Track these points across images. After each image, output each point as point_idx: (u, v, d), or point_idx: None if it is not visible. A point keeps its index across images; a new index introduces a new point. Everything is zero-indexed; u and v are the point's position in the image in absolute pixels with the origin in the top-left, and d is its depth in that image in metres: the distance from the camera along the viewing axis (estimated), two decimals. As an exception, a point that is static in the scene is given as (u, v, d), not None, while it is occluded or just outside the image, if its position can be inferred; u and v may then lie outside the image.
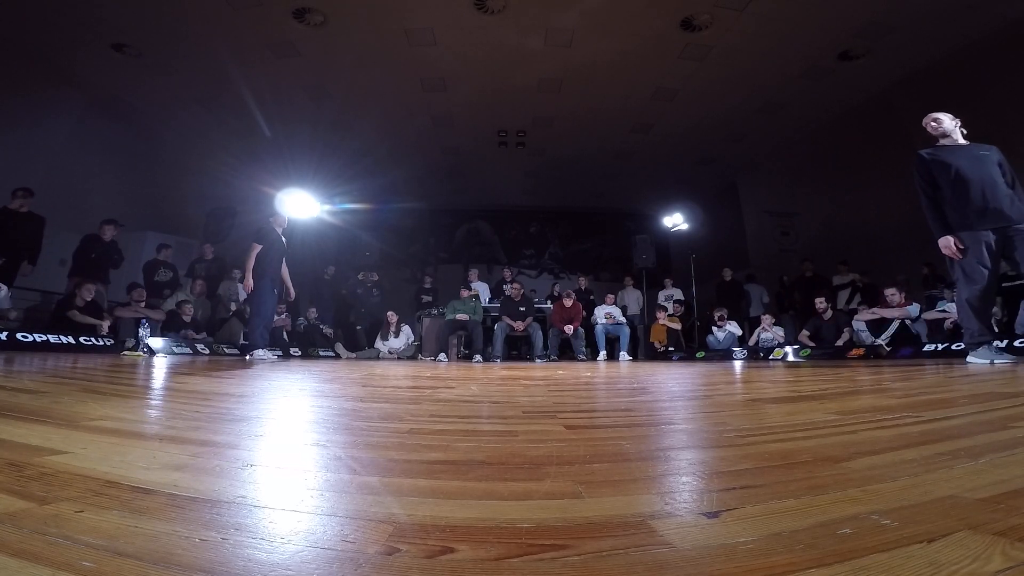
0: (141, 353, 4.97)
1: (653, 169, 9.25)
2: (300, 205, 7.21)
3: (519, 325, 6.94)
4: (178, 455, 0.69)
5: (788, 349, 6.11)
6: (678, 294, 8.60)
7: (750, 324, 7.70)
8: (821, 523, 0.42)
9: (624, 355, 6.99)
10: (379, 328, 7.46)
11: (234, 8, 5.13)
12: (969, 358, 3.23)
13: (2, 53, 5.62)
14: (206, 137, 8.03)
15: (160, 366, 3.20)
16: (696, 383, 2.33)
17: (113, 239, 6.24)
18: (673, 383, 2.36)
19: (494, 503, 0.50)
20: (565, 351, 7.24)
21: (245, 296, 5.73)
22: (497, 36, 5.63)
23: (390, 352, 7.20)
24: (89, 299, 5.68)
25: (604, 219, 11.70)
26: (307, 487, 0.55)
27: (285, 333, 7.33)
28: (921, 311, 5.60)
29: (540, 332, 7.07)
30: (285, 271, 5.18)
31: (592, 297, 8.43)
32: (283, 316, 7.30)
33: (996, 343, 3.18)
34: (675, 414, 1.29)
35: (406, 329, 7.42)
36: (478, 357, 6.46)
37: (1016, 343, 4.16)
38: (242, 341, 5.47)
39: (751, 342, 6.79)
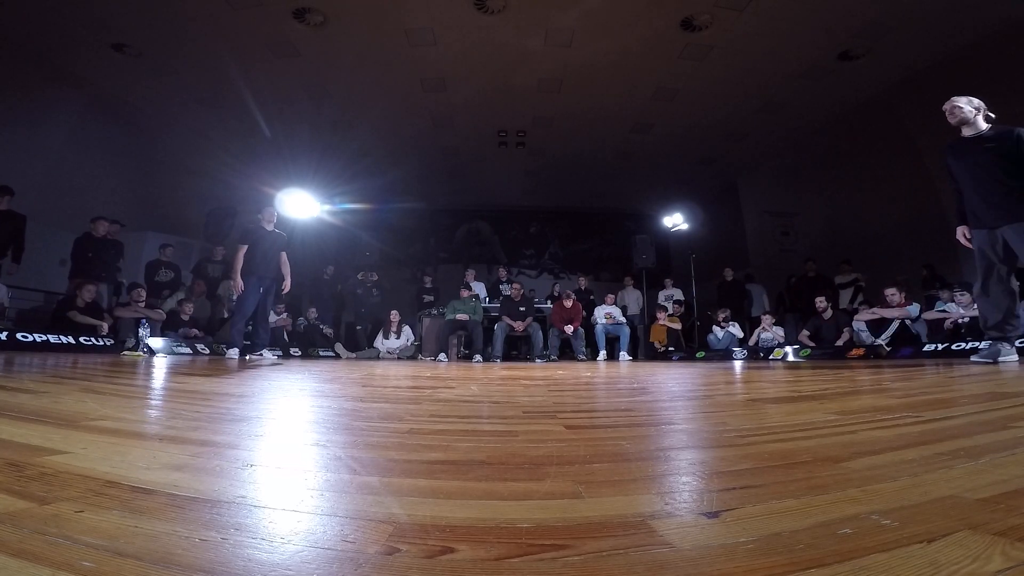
0: (141, 353, 4.98)
1: (653, 169, 9.25)
2: (300, 205, 7.22)
3: (519, 325, 6.94)
4: (178, 455, 0.69)
5: (788, 349, 6.11)
6: (678, 294, 8.60)
7: (751, 324, 7.70)
8: (821, 523, 0.42)
9: (624, 355, 6.99)
10: (379, 328, 7.46)
11: (234, 8, 5.13)
12: (973, 357, 3.30)
13: (2, 53, 5.62)
14: (206, 137, 8.03)
15: (160, 366, 3.20)
16: (696, 383, 2.33)
17: (108, 236, 6.23)
18: (673, 383, 2.36)
19: (494, 503, 0.50)
20: (565, 351, 7.23)
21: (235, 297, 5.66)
22: (497, 36, 5.63)
23: (389, 352, 7.20)
24: (89, 300, 5.68)
25: (604, 219, 11.70)
26: (307, 487, 0.55)
27: (285, 333, 7.33)
28: (921, 311, 5.60)
29: (540, 332, 7.07)
30: (285, 264, 5.08)
31: (592, 297, 8.43)
32: (283, 316, 7.31)
33: (1006, 345, 3.12)
34: (675, 414, 1.29)
35: (406, 329, 7.42)
36: (478, 357, 6.46)
37: (1020, 342, 4.15)
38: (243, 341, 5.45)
39: (751, 342, 6.79)
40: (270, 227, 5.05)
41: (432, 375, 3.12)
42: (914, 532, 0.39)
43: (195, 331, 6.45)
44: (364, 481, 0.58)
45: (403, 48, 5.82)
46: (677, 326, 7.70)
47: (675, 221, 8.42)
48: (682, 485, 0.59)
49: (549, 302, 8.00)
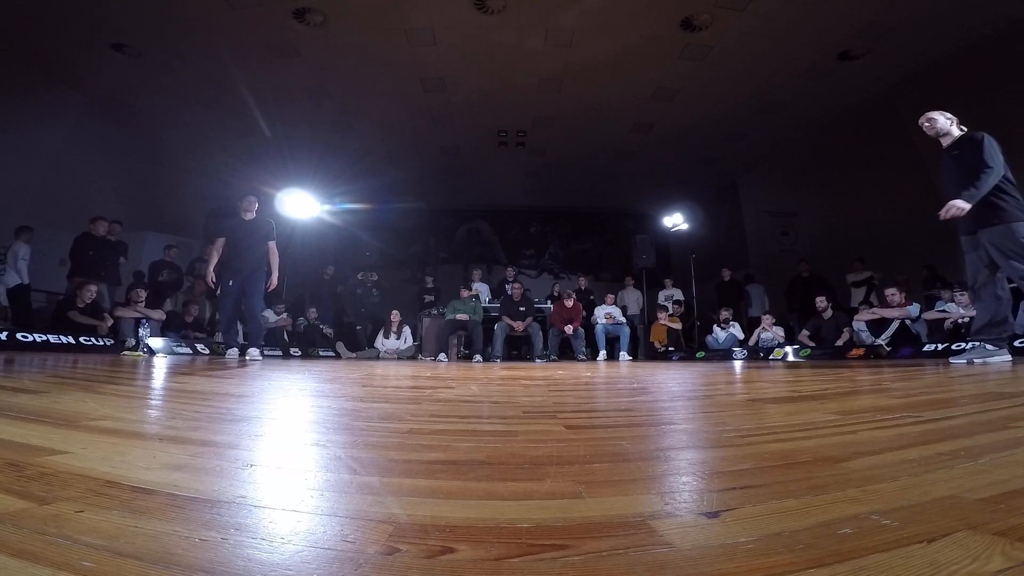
0: (141, 353, 4.97)
1: (653, 169, 9.24)
2: (300, 205, 7.21)
3: (519, 325, 6.94)
4: (178, 455, 0.69)
5: (788, 349, 6.11)
6: (678, 294, 8.60)
7: (750, 324, 7.69)
8: (821, 523, 0.42)
9: (624, 355, 6.99)
10: (379, 328, 7.46)
11: (234, 8, 5.13)
12: (951, 359, 3.44)
13: (2, 53, 5.62)
14: (206, 137, 8.03)
15: (160, 366, 3.20)
16: (696, 383, 2.33)
17: (109, 235, 6.23)
18: (673, 383, 2.36)
19: (494, 503, 0.50)
20: (565, 351, 7.23)
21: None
22: (497, 36, 5.63)
23: (389, 352, 7.20)
24: (89, 300, 5.68)
25: (604, 219, 11.70)
26: (307, 487, 0.55)
27: (285, 333, 7.33)
28: (921, 311, 5.60)
29: (540, 332, 7.07)
30: (273, 254, 4.71)
31: (592, 297, 8.42)
32: (283, 316, 7.31)
33: (989, 346, 3.16)
34: (675, 414, 1.29)
35: (406, 329, 7.42)
36: (478, 357, 6.46)
37: (1016, 343, 4.16)
38: (241, 341, 5.43)
39: (751, 342, 6.79)
40: (248, 216, 4.73)
41: (432, 375, 3.12)
42: (914, 532, 0.39)
43: (198, 333, 6.44)
44: (364, 481, 0.58)
45: (403, 48, 5.82)
46: (677, 326, 7.70)
47: (675, 221, 8.42)
48: (682, 485, 0.59)
49: (549, 302, 8.01)
